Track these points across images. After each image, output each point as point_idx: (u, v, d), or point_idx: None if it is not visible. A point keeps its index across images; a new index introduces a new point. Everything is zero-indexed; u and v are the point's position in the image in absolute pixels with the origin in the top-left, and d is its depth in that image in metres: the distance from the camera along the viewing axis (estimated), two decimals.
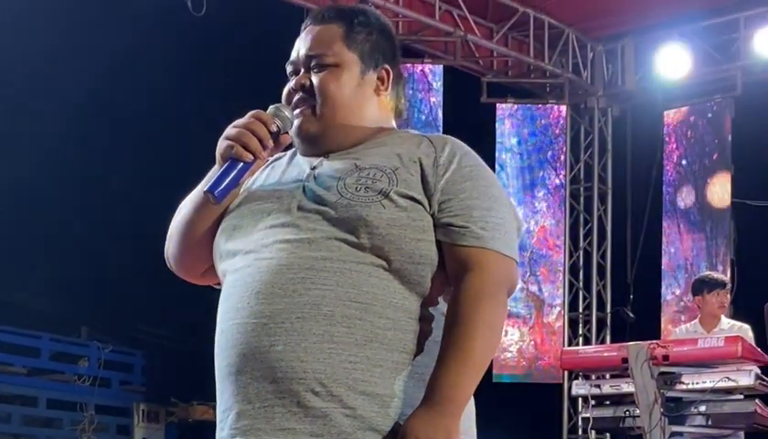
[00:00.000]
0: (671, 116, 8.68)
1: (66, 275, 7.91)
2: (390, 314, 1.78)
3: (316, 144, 1.94)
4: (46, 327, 7.68)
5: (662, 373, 5.33)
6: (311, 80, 1.94)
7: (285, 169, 1.97)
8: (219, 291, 1.94)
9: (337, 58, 1.94)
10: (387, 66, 1.99)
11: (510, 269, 1.85)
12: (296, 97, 1.95)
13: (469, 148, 1.93)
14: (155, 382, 8.23)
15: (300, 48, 1.98)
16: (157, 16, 7.03)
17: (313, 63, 1.95)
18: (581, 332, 8.84)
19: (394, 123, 2.03)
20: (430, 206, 1.83)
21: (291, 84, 1.97)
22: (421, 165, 1.86)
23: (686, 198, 8.54)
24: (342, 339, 1.74)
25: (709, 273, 7.13)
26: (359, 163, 1.88)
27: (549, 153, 8.78)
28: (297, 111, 1.95)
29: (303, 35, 1.99)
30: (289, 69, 2.00)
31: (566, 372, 7.80)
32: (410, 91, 8.08)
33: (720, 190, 8.38)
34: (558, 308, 8.67)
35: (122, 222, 7.86)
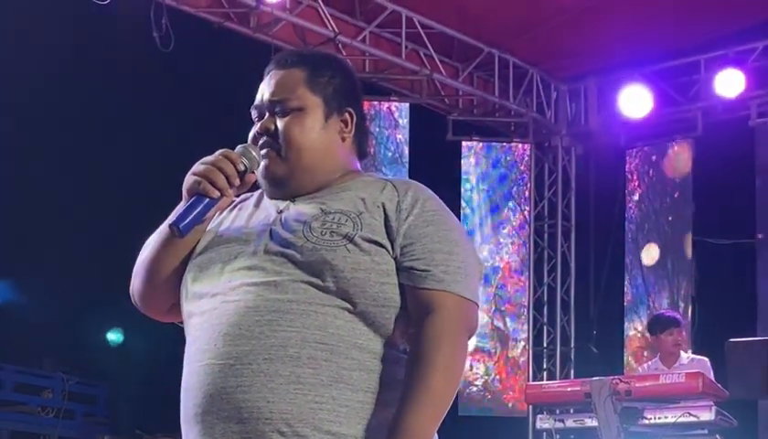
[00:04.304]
0: (633, 154, 8.82)
1: (30, 305, 7.87)
2: (356, 355, 1.81)
3: (283, 188, 1.98)
4: (9, 359, 7.63)
5: (625, 408, 5.40)
6: (276, 125, 1.97)
7: (252, 212, 1.99)
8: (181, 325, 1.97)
9: (301, 102, 1.97)
10: (350, 109, 2.02)
11: (471, 311, 1.89)
12: (261, 140, 1.98)
13: (432, 193, 1.97)
14: (120, 414, 8.19)
15: (264, 92, 2.00)
16: (125, 51, 7.06)
17: (277, 108, 1.97)
18: (545, 367, 8.89)
19: (359, 165, 2.06)
20: (393, 249, 1.87)
21: (256, 128, 2.00)
22: (384, 209, 1.90)
23: (647, 235, 8.66)
24: (308, 380, 1.77)
25: (662, 312, 7.23)
26: (325, 207, 1.91)
27: (514, 190, 8.87)
28: (263, 152, 1.97)
29: (266, 79, 2.02)
30: (254, 113, 2.02)
31: (531, 407, 7.85)
32: (377, 129, 8.16)
33: (680, 229, 8.50)
34: (522, 343, 8.73)
35: (90, 252, 7.85)
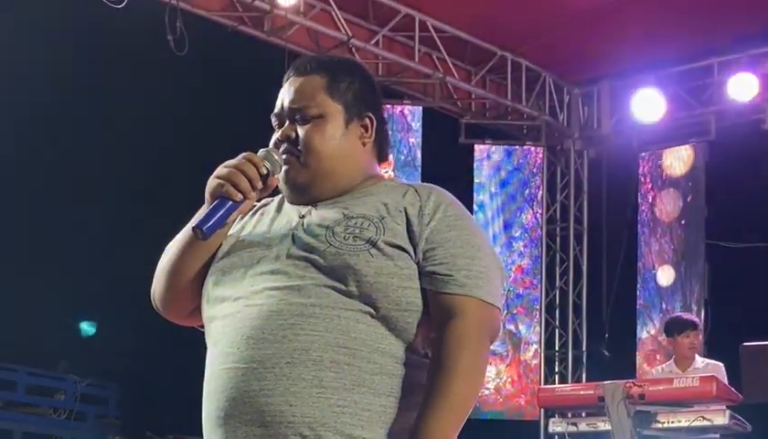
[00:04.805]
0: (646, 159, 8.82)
1: (44, 308, 7.90)
2: (378, 359, 1.82)
3: (304, 193, 1.98)
4: (22, 360, 7.66)
5: (638, 412, 5.39)
6: (296, 132, 1.97)
7: (275, 217, 2.00)
8: (194, 328, 1.98)
9: (321, 109, 1.97)
10: (370, 114, 2.03)
11: (493, 316, 1.89)
12: (282, 147, 1.98)
13: (454, 198, 1.97)
14: (131, 416, 8.22)
15: (283, 99, 2.00)
16: (139, 54, 7.09)
17: (297, 116, 1.97)
18: (557, 370, 8.89)
19: (379, 169, 2.07)
20: (415, 254, 1.87)
21: (276, 135, 2.00)
22: (406, 214, 1.91)
23: (660, 238, 8.65)
24: (331, 384, 1.78)
25: (679, 314, 7.23)
26: (347, 212, 1.92)
27: (526, 193, 8.87)
28: (284, 157, 1.98)
29: (285, 86, 2.01)
30: (274, 120, 2.02)
31: (543, 410, 7.84)
32: (390, 132, 8.13)
33: (693, 232, 8.49)
34: (534, 346, 8.72)
35: (103, 256, 7.87)
